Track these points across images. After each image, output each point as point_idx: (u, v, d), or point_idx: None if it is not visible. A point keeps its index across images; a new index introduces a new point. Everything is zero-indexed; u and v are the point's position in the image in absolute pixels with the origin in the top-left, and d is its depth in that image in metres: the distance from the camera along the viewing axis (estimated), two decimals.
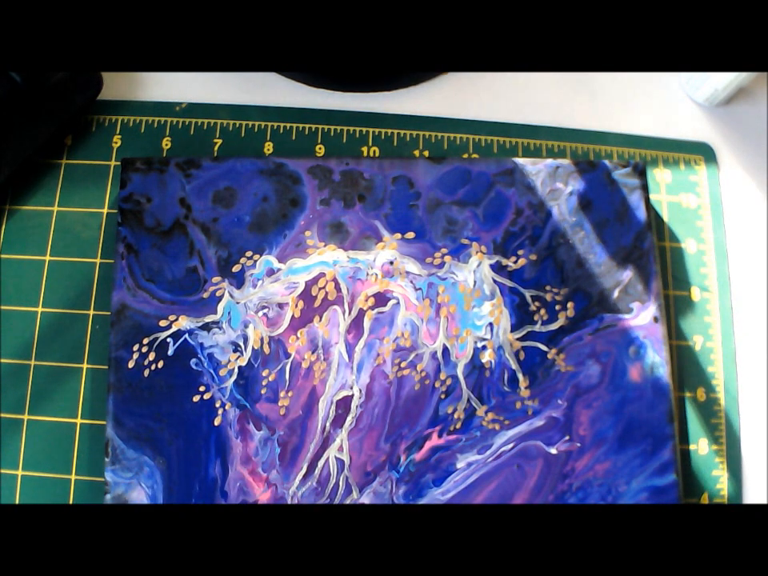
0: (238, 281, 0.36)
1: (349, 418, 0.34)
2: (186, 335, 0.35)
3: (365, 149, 0.40)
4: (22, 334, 0.37)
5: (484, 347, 0.35)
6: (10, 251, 0.38)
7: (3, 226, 0.38)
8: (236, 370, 0.35)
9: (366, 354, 0.35)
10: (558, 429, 0.34)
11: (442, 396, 0.35)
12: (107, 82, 0.39)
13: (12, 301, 0.37)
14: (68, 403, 0.36)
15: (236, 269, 0.36)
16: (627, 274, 0.36)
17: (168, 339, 0.35)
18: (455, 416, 0.34)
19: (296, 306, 0.35)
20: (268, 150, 0.40)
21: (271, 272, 0.36)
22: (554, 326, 0.35)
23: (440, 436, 0.34)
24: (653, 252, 0.36)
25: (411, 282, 0.36)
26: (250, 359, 0.35)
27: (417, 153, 0.40)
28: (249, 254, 0.36)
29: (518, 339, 0.35)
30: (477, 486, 0.34)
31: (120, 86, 0.40)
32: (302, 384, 0.35)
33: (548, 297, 0.36)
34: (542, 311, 0.36)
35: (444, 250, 0.36)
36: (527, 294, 0.36)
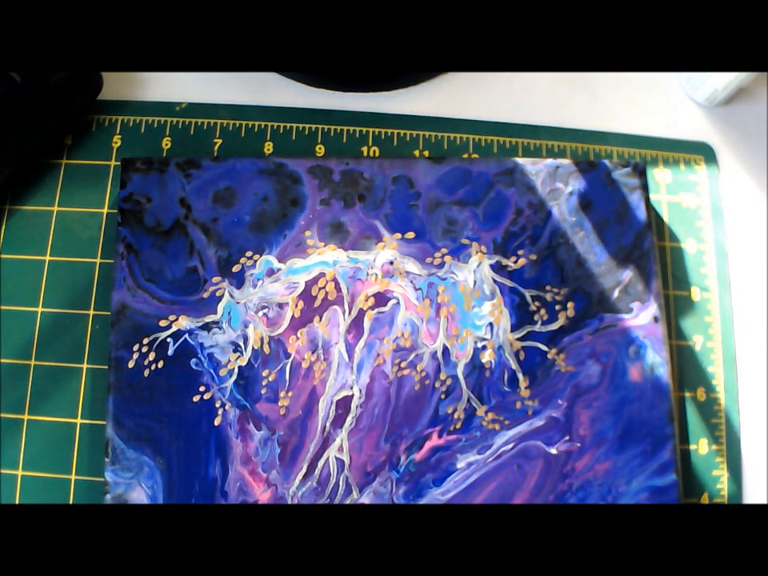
0: (238, 281, 0.36)
1: (349, 418, 0.34)
2: (186, 335, 0.35)
3: (365, 149, 0.40)
4: (22, 334, 0.37)
5: (484, 347, 0.35)
6: (9, 251, 0.38)
7: (3, 226, 0.38)
8: (236, 370, 0.35)
9: (366, 354, 0.35)
10: (558, 429, 0.34)
11: (442, 396, 0.35)
12: (107, 82, 0.39)
13: (12, 301, 0.37)
14: (68, 403, 0.36)
15: (236, 269, 0.36)
16: (627, 274, 0.36)
17: (168, 339, 0.35)
18: (455, 416, 0.34)
19: (296, 306, 0.35)
20: (268, 149, 0.40)
21: (271, 272, 0.36)
22: (554, 326, 0.35)
23: (440, 436, 0.34)
24: (653, 252, 0.36)
25: (411, 281, 0.36)
26: (250, 359, 0.35)
27: (417, 153, 0.40)
28: (249, 253, 0.36)
29: (518, 339, 0.35)
30: (477, 486, 0.34)
31: (120, 86, 0.40)
32: (302, 384, 0.35)
33: (548, 297, 0.36)
34: (542, 311, 0.36)
35: (444, 250, 0.36)
36: (527, 293, 0.36)
